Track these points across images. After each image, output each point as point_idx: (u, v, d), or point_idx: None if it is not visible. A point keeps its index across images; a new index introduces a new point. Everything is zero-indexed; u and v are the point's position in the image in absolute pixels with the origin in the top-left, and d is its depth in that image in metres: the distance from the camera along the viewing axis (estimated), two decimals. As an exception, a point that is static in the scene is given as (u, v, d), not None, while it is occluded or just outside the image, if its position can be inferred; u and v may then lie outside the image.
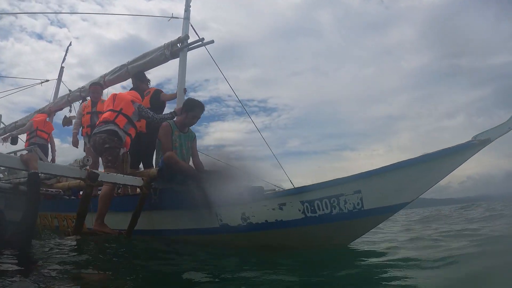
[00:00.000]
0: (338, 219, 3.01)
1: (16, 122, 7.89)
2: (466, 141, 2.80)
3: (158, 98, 4.59)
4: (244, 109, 5.05)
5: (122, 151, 3.89)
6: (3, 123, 8.66)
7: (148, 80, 4.92)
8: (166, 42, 4.70)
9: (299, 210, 3.08)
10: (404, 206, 3.01)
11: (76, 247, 2.89)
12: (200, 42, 4.51)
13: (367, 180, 2.95)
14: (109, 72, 5.35)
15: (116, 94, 4.05)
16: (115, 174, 3.37)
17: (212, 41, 4.46)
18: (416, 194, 2.96)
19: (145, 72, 4.94)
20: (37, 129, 6.82)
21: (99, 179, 3.11)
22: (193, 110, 3.78)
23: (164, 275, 2.34)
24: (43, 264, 2.20)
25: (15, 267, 1.95)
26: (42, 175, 3.79)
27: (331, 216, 3.02)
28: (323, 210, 3.03)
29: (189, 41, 4.59)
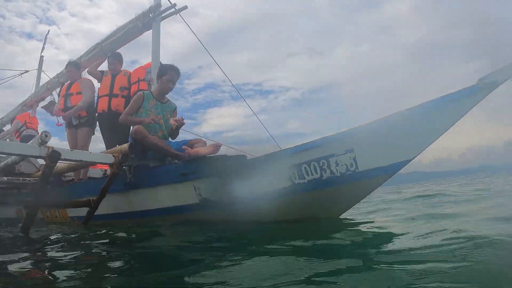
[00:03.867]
0: (330, 184, 2.64)
1: (2, 118, 7.62)
2: (471, 85, 2.38)
3: None
4: (238, 93, 4.67)
5: None
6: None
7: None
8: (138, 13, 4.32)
9: None
10: (405, 164, 2.60)
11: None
12: (173, 9, 4.12)
13: (360, 136, 2.55)
14: (85, 54, 5.01)
15: None
16: (81, 151, 3.05)
17: (185, 7, 4.08)
18: (418, 150, 2.55)
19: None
20: (26, 123, 6.65)
21: (62, 157, 2.80)
22: (166, 73, 3.38)
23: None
24: None
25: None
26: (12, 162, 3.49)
27: (321, 181, 2.64)
28: (312, 174, 2.66)
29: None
